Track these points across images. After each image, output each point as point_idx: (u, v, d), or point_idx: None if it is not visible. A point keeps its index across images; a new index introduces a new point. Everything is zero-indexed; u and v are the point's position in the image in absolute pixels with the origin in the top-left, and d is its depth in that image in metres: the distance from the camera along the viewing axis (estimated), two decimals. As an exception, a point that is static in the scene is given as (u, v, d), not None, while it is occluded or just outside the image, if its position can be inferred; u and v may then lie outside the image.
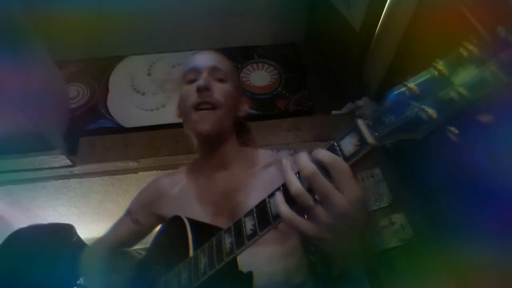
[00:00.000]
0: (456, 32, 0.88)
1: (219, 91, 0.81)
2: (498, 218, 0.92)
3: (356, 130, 0.40)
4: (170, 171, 1.63)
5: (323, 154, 0.41)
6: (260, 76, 1.90)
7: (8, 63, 1.21)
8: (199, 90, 0.79)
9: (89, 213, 2.08)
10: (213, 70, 0.84)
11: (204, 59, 0.86)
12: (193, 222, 0.67)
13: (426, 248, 1.35)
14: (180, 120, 0.90)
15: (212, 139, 0.82)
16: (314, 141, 1.63)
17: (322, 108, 1.81)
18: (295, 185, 0.41)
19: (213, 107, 0.79)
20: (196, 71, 0.84)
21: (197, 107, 0.79)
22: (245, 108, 0.93)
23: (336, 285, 0.74)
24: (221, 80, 0.84)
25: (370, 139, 0.39)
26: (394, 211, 1.47)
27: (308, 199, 0.41)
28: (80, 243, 1.67)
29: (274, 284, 0.69)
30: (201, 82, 0.79)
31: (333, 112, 1.75)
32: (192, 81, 0.83)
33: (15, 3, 1.30)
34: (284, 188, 0.44)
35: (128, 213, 0.93)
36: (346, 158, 0.41)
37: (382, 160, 1.56)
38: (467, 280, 1.05)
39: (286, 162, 0.44)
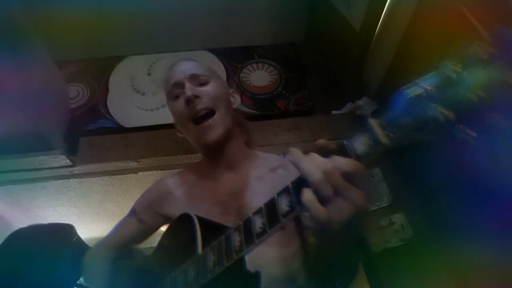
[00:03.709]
0: (456, 32, 0.88)
1: (207, 94, 0.83)
2: (498, 218, 0.92)
3: (369, 130, 0.40)
4: (170, 171, 1.65)
5: (344, 161, 0.41)
6: (260, 76, 1.90)
7: (8, 63, 1.21)
8: (188, 102, 0.80)
9: (89, 213, 2.08)
10: (193, 78, 0.86)
11: (182, 71, 0.88)
12: (201, 220, 0.67)
13: (426, 248, 1.35)
14: (182, 135, 0.92)
15: (220, 143, 0.83)
16: (314, 141, 1.62)
17: (322, 108, 1.81)
18: (316, 174, 0.40)
19: (210, 110, 0.81)
20: (179, 85, 0.86)
21: (195, 119, 0.81)
22: (237, 99, 0.95)
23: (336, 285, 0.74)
24: (204, 84, 0.86)
25: (384, 139, 0.39)
26: (394, 211, 1.47)
27: (329, 189, 0.40)
28: (80, 243, 1.66)
29: (276, 284, 0.70)
30: (188, 93, 0.81)
31: (333, 112, 1.75)
32: (177, 97, 0.86)
33: (15, 3, 1.30)
34: (298, 181, 0.44)
35: (133, 212, 0.94)
36: (359, 158, 0.41)
37: (382, 160, 1.56)
38: (467, 280, 1.05)
39: (298, 151, 0.44)
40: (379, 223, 1.45)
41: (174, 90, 0.86)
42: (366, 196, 0.40)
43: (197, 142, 0.87)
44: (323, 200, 0.41)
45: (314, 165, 0.41)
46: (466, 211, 1.08)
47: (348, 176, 0.40)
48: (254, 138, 1.01)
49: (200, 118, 0.81)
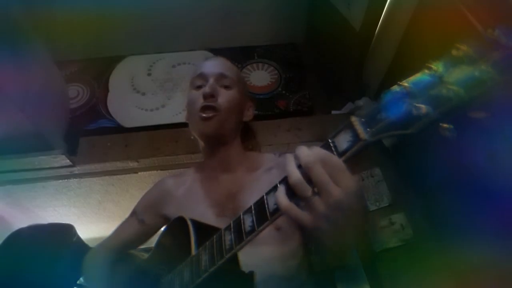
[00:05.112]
0: (456, 32, 0.88)
1: (224, 97, 0.85)
2: (498, 218, 0.92)
3: (350, 126, 0.41)
4: (170, 171, 1.66)
5: (316, 150, 0.43)
6: (260, 76, 1.90)
7: (8, 63, 1.21)
8: (205, 97, 0.83)
9: (89, 213, 2.08)
10: (220, 77, 0.88)
11: (212, 66, 0.90)
12: (196, 224, 0.68)
13: (426, 248, 1.35)
14: (183, 120, 0.94)
15: (215, 140, 0.85)
16: (314, 141, 1.63)
17: (322, 108, 1.81)
18: (295, 175, 0.42)
19: (216, 111, 0.83)
20: (204, 77, 0.88)
21: (202, 111, 0.83)
22: (251, 113, 0.96)
23: (336, 285, 0.75)
24: (227, 87, 0.88)
25: (362, 134, 0.40)
26: (394, 211, 1.47)
27: (306, 189, 0.42)
28: (80, 243, 1.66)
29: (274, 284, 0.70)
30: (207, 89, 0.84)
31: (333, 112, 1.75)
32: (199, 87, 0.88)
33: (15, 3, 1.30)
34: (285, 181, 0.45)
35: (134, 213, 0.94)
36: (339, 154, 0.42)
37: (382, 160, 1.56)
38: (467, 280, 1.05)
39: (290, 156, 0.45)
40: (379, 223, 1.45)
41: (197, 80, 0.89)
42: (345, 193, 0.41)
43: (196, 132, 0.88)
44: (301, 199, 0.42)
45: (296, 165, 0.43)
46: (466, 211, 1.08)
47: (327, 168, 0.41)
48: (260, 143, 1.02)
49: (207, 108, 0.83)
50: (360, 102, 1.66)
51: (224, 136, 0.85)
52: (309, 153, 0.42)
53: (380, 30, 1.44)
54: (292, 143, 1.63)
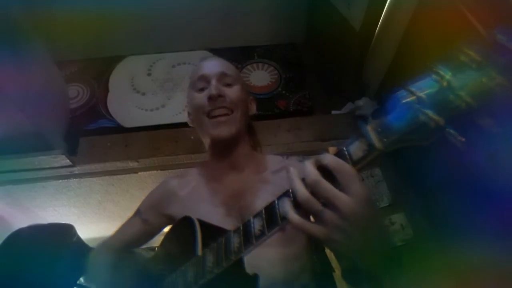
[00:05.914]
0: (456, 32, 0.88)
1: (231, 95, 0.85)
2: (498, 218, 0.92)
3: (365, 136, 0.41)
4: (170, 171, 1.66)
5: (329, 159, 0.42)
6: (260, 76, 1.90)
7: (8, 63, 1.21)
8: (211, 98, 0.82)
9: (89, 213, 2.08)
10: (221, 76, 0.87)
11: (212, 66, 0.89)
12: (203, 224, 0.67)
13: (426, 248, 1.35)
14: (183, 120, 0.92)
15: (228, 142, 0.84)
16: (314, 141, 1.63)
17: (322, 108, 1.82)
18: (301, 192, 0.43)
19: (229, 111, 0.82)
20: (206, 79, 0.87)
21: (212, 114, 0.82)
22: (254, 107, 0.96)
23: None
24: (229, 85, 0.87)
25: (378, 144, 0.40)
26: (394, 211, 1.47)
27: (314, 204, 0.42)
28: (80, 243, 1.67)
29: (277, 285, 0.70)
30: (213, 91, 0.82)
31: (333, 112, 1.75)
32: (201, 89, 0.86)
33: (15, 3, 1.30)
34: (292, 194, 0.45)
35: (138, 213, 0.94)
36: (354, 163, 0.42)
37: (382, 160, 1.56)
38: (467, 280, 1.05)
39: (294, 170, 0.45)
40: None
41: (199, 82, 0.87)
42: (356, 202, 0.41)
43: (207, 136, 0.87)
44: (311, 213, 0.43)
45: (302, 183, 0.43)
46: (466, 211, 1.08)
47: (339, 176, 0.41)
48: (260, 141, 1.02)
49: (219, 109, 0.82)
50: (360, 102, 1.66)
51: (238, 135, 0.85)
52: (311, 171, 0.42)
53: (380, 30, 1.44)
54: (292, 143, 1.63)
